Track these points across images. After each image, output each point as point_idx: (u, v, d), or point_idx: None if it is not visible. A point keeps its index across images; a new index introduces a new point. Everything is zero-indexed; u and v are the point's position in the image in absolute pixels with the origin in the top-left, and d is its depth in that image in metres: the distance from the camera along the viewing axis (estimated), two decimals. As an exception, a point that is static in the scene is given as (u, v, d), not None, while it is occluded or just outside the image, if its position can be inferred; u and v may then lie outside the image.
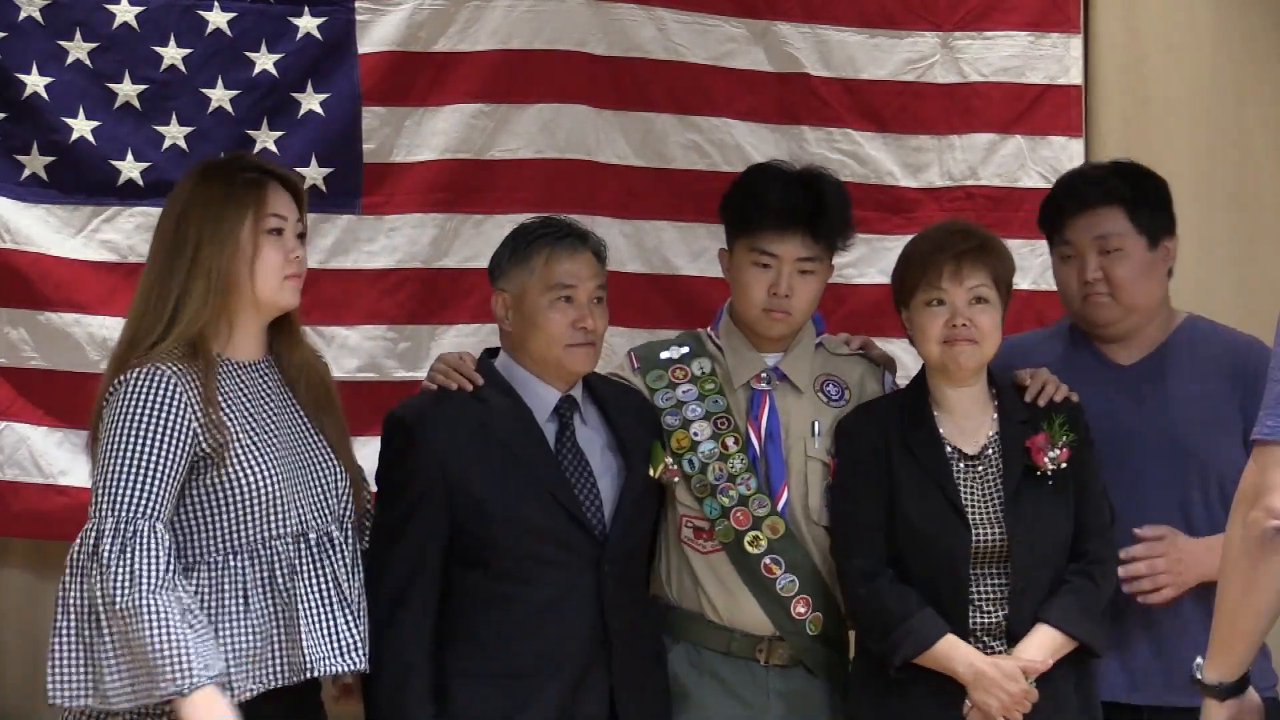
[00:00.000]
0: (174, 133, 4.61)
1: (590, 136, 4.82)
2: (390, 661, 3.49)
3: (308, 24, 4.68)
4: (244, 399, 3.37)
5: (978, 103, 5.00)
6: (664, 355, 3.89)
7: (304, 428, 3.46)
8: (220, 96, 4.64)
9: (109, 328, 4.49)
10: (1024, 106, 5.00)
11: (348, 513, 3.47)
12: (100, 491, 3.23)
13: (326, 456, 3.46)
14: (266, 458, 3.33)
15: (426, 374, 3.77)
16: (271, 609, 3.30)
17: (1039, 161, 4.98)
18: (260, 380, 3.43)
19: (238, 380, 3.39)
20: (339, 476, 3.46)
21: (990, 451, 3.69)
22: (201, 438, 3.28)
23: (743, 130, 4.89)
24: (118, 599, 3.14)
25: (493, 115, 4.78)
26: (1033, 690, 3.55)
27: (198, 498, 3.29)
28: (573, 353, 3.65)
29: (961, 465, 3.68)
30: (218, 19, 4.64)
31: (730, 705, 3.72)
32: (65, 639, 3.19)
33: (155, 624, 3.13)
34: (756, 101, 4.92)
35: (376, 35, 4.73)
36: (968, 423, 3.71)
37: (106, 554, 3.16)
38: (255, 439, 3.34)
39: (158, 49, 4.61)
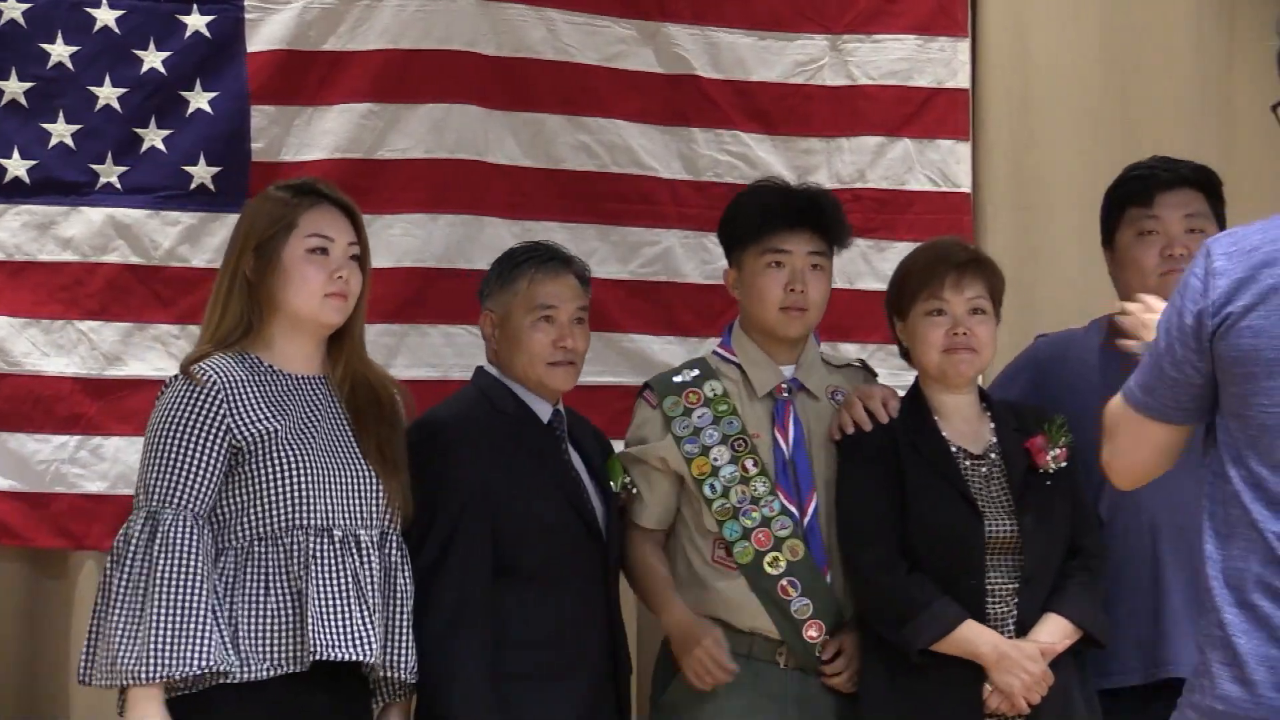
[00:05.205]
0: (61, 131, 4.57)
1: (480, 137, 4.81)
2: (458, 673, 3.55)
3: (196, 22, 4.65)
4: (288, 405, 3.49)
5: (866, 105, 5.03)
6: (676, 379, 3.96)
7: (347, 440, 3.54)
8: (108, 94, 4.60)
9: (-4, 326, 4.49)
10: (912, 109, 5.04)
11: (388, 522, 3.55)
12: (138, 486, 3.43)
13: (359, 466, 3.53)
14: (298, 455, 3.45)
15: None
16: (285, 596, 3.39)
17: (926, 164, 5.03)
18: (309, 393, 3.54)
19: (284, 389, 3.51)
20: (373, 486, 3.53)
21: (992, 454, 3.81)
22: (235, 433, 3.41)
23: (632, 131, 4.91)
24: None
25: (382, 115, 4.76)
26: (1049, 673, 3.66)
27: (234, 488, 3.43)
28: (553, 371, 3.79)
29: (967, 463, 3.79)
30: (106, 16, 4.60)
31: (749, 701, 3.78)
32: (101, 620, 3.35)
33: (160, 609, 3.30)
34: (646, 103, 4.93)
35: (266, 34, 4.70)
36: (966, 427, 3.83)
37: (135, 538, 3.35)
38: (291, 439, 3.45)
39: (45, 46, 4.56)
